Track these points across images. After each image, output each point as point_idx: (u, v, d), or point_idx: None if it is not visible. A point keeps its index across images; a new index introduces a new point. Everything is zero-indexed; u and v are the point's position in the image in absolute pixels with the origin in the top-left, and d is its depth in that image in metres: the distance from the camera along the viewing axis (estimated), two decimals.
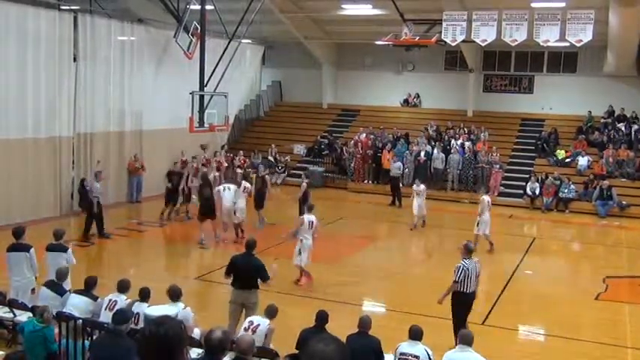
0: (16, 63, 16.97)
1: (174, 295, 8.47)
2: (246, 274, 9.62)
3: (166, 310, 7.67)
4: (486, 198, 16.35)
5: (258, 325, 8.17)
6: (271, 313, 8.40)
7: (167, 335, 3.10)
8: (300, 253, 12.68)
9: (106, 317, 8.11)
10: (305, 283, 12.83)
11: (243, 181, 17.57)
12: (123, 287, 8.75)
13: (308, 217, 12.89)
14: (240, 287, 9.59)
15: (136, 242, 16.96)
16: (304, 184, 17.63)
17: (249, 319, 8.50)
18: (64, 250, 10.28)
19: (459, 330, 9.10)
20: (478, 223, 15.84)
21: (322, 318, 7.86)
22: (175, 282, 13.10)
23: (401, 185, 22.71)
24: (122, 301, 8.50)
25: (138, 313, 8.13)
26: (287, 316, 10.65)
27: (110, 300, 8.57)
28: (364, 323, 7.69)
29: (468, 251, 9.76)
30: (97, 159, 19.21)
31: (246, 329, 8.15)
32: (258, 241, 10.32)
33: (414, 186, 18.87)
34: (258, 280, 9.57)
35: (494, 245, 16.03)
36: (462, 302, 9.63)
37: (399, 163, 22.80)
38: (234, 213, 16.20)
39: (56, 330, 8.03)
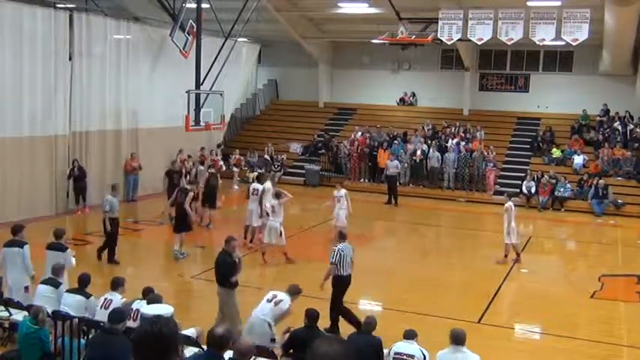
0: (12, 61, 16.93)
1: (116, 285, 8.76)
2: (220, 271, 9.82)
3: (162, 309, 7.65)
4: (512, 205, 15.21)
5: (281, 300, 8.63)
6: (293, 291, 8.83)
7: (162, 333, 3.11)
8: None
9: (101, 316, 8.10)
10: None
11: (254, 183, 16.29)
12: (116, 285, 8.75)
13: (272, 202, 14.44)
14: (218, 284, 9.84)
15: (132, 241, 16.92)
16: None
17: (272, 292, 8.87)
18: (63, 249, 10.24)
19: (334, 312, 9.93)
20: (509, 232, 14.85)
21: (313, 317, 7.84)
22: (171, 281, 13.21)
23: (398, 184, 22.73)
24: (117, 299, 8.49)
25: (137, 310, 8.12)
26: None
27: (105, 299, 8.57)
28: (368, 324, 7.70)
29: (341, 236, 10.51)
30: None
31: (269, 300, 8.60)
32: None
33: (335, 191, 16.51)
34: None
35: (520, 257, 15.18)
36: (339, 284, 10.14)
37: (396, 162, 22.80)
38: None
39: (52, 329, 8.01)
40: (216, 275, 9.90)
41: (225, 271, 9.67)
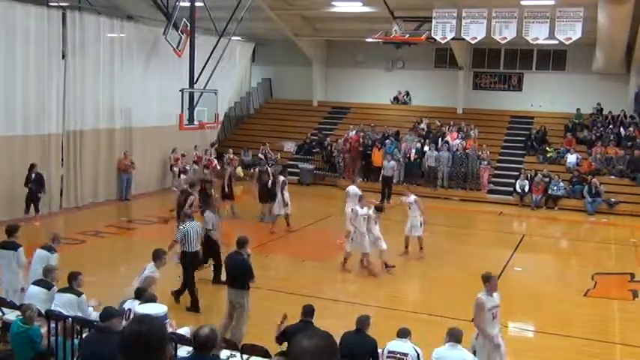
0: (5, 60, 16.85)
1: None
2: (233, 272, 9.68)
3: (155, 309, 7.63)
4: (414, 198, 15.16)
5: None
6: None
7: (148, 334, 3.09)
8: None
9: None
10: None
11: (280, 176, 17.65)
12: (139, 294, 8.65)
13: (359, 210, 13.84)
14: (230, 286, 9.71)
15: (126, 240, 16.89)
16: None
17: None
18: (15, 248, 9.92)
19: (190, 286, 11.00)
20: (416, 225, 14.91)
21: (308, 312, 7.81)
22: (167, 281, 13.14)
23: (393, 183, 22.70)
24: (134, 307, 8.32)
25: (130, 309, 8.10)
26: (277, 314, 10.66)
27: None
28: (362, 322, 7.57)
29: (187, 216, 11.96)
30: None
31: None
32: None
33: (367, 210, 13.86)
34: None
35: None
36: (186, 259, 11.20)
37: (393, 162, 22.72)
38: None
39: (44, 329, 7.98)
40: (229, 277, 9.77)
41: (244, 273, 9.58)
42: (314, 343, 2.71)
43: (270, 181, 18.21)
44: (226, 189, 18.53)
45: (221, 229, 13.48)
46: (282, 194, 17.06)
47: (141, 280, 9.09)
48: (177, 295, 11.47)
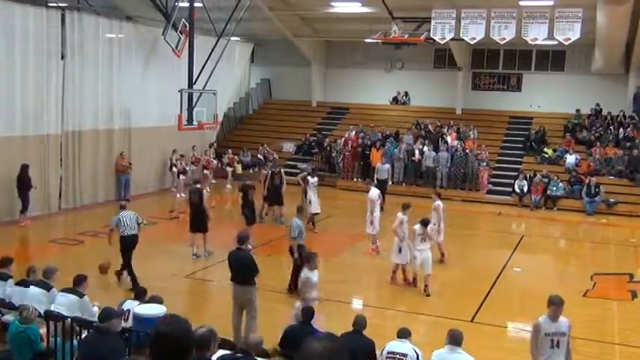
0: (4, 60, 16.85)
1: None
2: (238, 269, 9.69)
3: (154, 309, 7.60)
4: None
5: None
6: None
7: (186, 334, 3.18)
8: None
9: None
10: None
11: (310, 177, 18.18)
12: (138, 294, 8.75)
13: (401, 217, 13.18)
14: (236, 282, 9.74)
15: None
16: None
17: None
18: (5, 279, 9.56)
19: (128, 268, 12.09)
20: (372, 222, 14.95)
21: (307, 313, 7.82)
22: (165, 280, 13.16)
23: (389, 184, 22.65)
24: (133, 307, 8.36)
25: (129, 310, 8.09)
26: (277, 315, 10.67)
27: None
28: (359, 323, 7.60)
29: (121, 207, 12.77)
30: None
31: None
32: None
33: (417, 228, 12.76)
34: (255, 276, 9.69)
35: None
36: (122, 243, 12.26)
37: (388, 165, 22.66)
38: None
39: (43, 329, 7.97)
40: (236, 275, 9.72)
41: (251, 269, 9.61)
42: (323, 346, 2.75)
43: (282, 183, 18.35)
44: (266, 192, 18.23)
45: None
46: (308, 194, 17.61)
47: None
48: (118, 274, 12.46)
